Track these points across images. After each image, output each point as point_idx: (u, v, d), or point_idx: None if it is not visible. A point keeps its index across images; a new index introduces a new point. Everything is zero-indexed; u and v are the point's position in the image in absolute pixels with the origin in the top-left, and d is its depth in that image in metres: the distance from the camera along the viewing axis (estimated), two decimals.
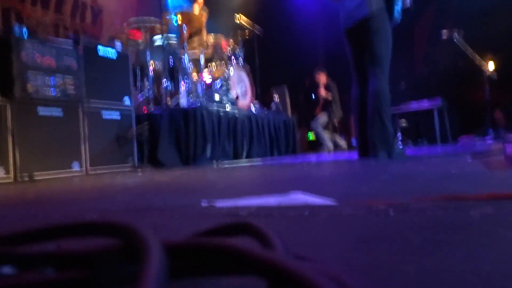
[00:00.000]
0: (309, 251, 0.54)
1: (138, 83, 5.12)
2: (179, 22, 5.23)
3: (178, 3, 6.76)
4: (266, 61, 6.99)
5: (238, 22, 6.24)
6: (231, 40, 5.95)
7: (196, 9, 5.62)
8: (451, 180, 1.40)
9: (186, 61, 5.12)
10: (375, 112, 3.15)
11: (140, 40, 5.50)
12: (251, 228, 0.38)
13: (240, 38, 6.02)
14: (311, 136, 8.28)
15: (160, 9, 4.98)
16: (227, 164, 4.26)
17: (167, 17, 5.28)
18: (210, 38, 5.54)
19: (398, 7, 3.22)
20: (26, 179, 3.10)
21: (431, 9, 8.75)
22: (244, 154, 4.88)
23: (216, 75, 5.40)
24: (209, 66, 5.66)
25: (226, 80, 5.25)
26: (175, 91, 5.08)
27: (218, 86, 5.25)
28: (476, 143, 5.82)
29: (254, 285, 0.32)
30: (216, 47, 5.75)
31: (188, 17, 5.24)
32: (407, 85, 8.60)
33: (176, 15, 5.14)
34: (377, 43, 3.15)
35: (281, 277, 0.26)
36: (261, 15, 8.11)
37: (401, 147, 3.44)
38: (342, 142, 7.58)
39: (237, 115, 4.85)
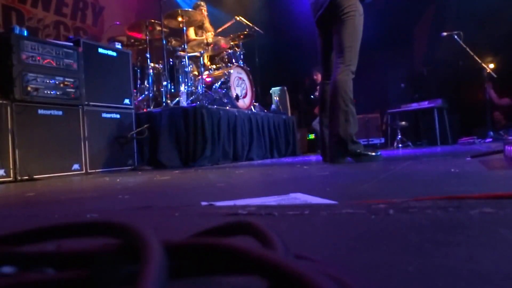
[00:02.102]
0: (309, 250, 0.54)
1: (138, 84, 5.13)
2: (180, 21, 5.23)
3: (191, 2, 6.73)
4: (266, 61, 6.99)
5: (238, 22, 6.25)
6: (231, 40, 5.95)
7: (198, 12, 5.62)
8: (451, 180, 1.40)
9: (186, 62, 5.12)
10: (332, 107, 2.88)
11: (140, 40, 5.51)
12: (251, 227, 0.38)
13: (240, 39, 6.02)
14: (311, 136, 8.28)
15: (160, 9, 4.98)
16: (227, 164, 4.26)
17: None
18: (211, 38, 5.55)
19: None
20: (26, 177, 3.10)
21: (431, 9, 8.75)
22: (244, 154, 4.87)
23: (216, 76, 5.40)
24: (209, 67, 5.66)
25: (226, 80, 5.25)
26: (175, 92, 5.09)
27: (218, 86, 5.25)
28: (476, 144, 5.82)
29: (254, 285, 0.32)
30: (216, 47, 5.76)
31: (188, 17, 5.23)
32: (407, 86, 8.60)
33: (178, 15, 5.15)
34: (342, 31, 2.88)
35: (281, 277, 0.26)
36: (261, 15, 8.12)
37: (374, 152, 2.97)
38: None
39: (237, 116, 4.85)
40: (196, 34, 5.92)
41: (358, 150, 2.85)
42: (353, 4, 2.89)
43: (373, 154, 2.90)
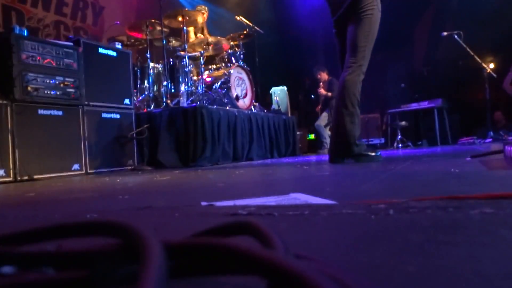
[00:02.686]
0: (309, 250, 0.54)
1: (138, 84, 5.13)
2: (180, 21, 5.23)
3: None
4: (266, 61, 6.99)
5: (238, 22, 6.25)
6: (231, 40, 5.95)
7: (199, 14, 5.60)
8: (451, 180, 1.40)
9: (186, 62, 5.12)
10: (338, 107, 2.90)
11: (140, 40, 5.51)
12: (251, 227, 0.38)
13: (240, 39, 6.02)
14: (311, 136, 8.28)
15: (160, 9, 4.98)
16: (226, 164, 4.26)
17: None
18: (211, 39, 5.55)
19: None
20: (26, 177, 3.10)
21: (431, 9, 8.76)
22: (244, 154, 4.87)
23: (216, 76, 5.40)
24: (210, 67, 5.66)
25: (226, 80, 5.25)
26: (175, 92, 5.09)
27: (218, 86, 5.25)
28: (476, 144, 5.82)
29: (254, 285, 0.32)
30: (217, 47, 5.75)
31: (188, 16, 5.23)
32: (407, 86, 8.60)
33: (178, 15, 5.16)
34: (358, 30, 2.87)
35: (281, 276, 0.26)
36: (261, 15, 8.12)
37: (369, 151, 2.96)
38: None
39: (237, 116, 4.85)
40: (195, 36, 5.91)
41: (360, 151, 2.87)
42: (372, 2, 2.85)
43: (373, 154, 2.91)
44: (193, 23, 5.50)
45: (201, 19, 5.47)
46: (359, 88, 2.87)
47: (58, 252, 0.36)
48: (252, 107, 5.63)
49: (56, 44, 3.48)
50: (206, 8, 6.03)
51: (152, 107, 4.83)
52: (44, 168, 3.26)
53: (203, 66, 5.21)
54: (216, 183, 1.96)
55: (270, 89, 7.16)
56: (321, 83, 7.25)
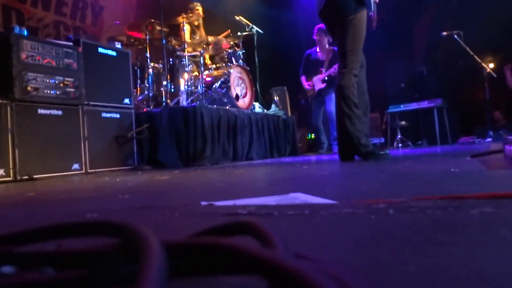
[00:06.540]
0: (309, 250, 0.54)
1: (138, 83, 5.13)
2: (180, 21, 5.24)
3: None
4: (266, 61, 6.98)
5: (238, 21, 6.24)
6: (231, 40, 5.94)
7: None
8: (451, 180, 1.40)
9: (186, 61, 5.12)
10: (337, 111, 3.03)
11: (140, 40, 5.50)
12: (251, 227, 0.38)
13: (240, 38, 6.01)
14: (311, 136, 8.28)
15: (160, 9, 4.98)
16: (226, 164, 4.26)
17: None
18: (211, 38, 5.54)
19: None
20: (26, 177, 3.10)
21: (431, 9, 8.76)
22: (244, 154, 4.87)
23: (216, 75, 5.40)
24: (209, 66, 5.65)
25: (226, 80, 5.25)
26: (175, 91, 5.09)
27: (218, 86, 5.25)
28: (476, 143, 5.82)
29: (254, 285, 0.32)
30: (216, 47, 5.75)
31: (188, 16, 5.24)
32: (407, 85, 8.60)
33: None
34: (344, 36, 2.97)
35: (281, 276, 0.26)
36: (261, 15, 8.11)
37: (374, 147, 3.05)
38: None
39: (236, 115, 4.85)
40: (191, 34, 5.87)
41: (366, 150, 2.95)
42: (353, 9, 2.93)
43: (381, 152, 3.00)
44: (191, 19, 5.49)
45: (195, 16, 5.47)
46: (353, 91, 2.98)
47: (58, 252, 0.36)
48: (251, 106, 5.63)
49: (56, 44, 3.48)
50: (199, 5, 5.98)
51: (152, 107, 4.83)
52: (44, 168, 3.26)
53: (202, 65, 5.20)
54: (216, 183, 1.96)
55: (270, 88, 7.14)
56: (322, 46, 6.44)
